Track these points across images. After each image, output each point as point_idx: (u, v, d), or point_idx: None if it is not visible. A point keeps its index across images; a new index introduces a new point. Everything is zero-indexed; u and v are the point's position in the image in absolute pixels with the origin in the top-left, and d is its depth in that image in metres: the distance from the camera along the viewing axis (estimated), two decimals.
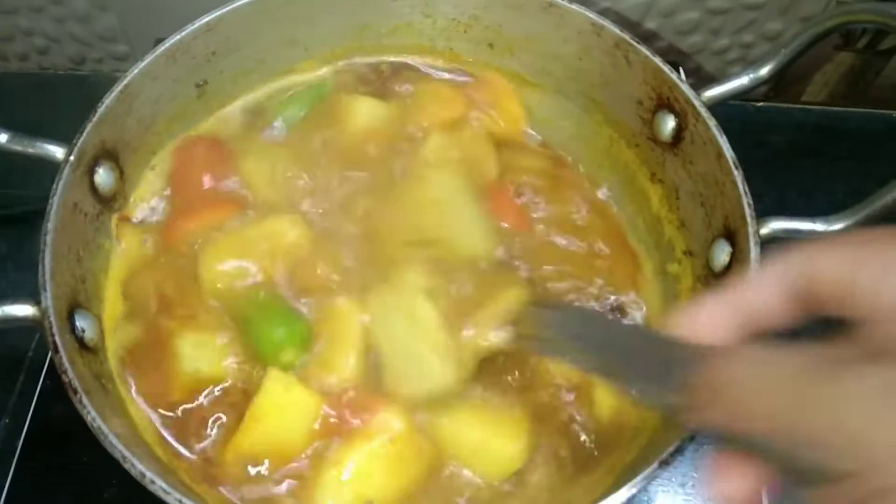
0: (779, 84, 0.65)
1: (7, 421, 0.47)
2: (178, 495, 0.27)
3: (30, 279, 0.53)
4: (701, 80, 0.65)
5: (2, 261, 0.56)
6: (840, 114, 0.65)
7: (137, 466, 0.27)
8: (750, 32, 0.60)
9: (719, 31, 0.60)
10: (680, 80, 0.38)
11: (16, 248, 0.56)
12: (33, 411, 0.41)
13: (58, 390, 0.43)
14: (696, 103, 0.38)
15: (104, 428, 0.28)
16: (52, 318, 0.30)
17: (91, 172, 0.36)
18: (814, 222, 0.36)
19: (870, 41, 0.60)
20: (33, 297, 0.32)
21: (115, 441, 0.27)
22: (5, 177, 0.58)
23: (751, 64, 0.59)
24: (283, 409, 0.33)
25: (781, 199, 0.63)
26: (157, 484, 0.27)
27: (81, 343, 0.32)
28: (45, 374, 0.43)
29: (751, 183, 0.61)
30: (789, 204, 0.59)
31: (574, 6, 0.41)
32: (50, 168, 0.42)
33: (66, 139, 0.39)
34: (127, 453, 0.27)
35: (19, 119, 0.43)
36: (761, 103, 0.67)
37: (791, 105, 0.66)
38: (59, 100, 0.65)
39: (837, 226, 0.35)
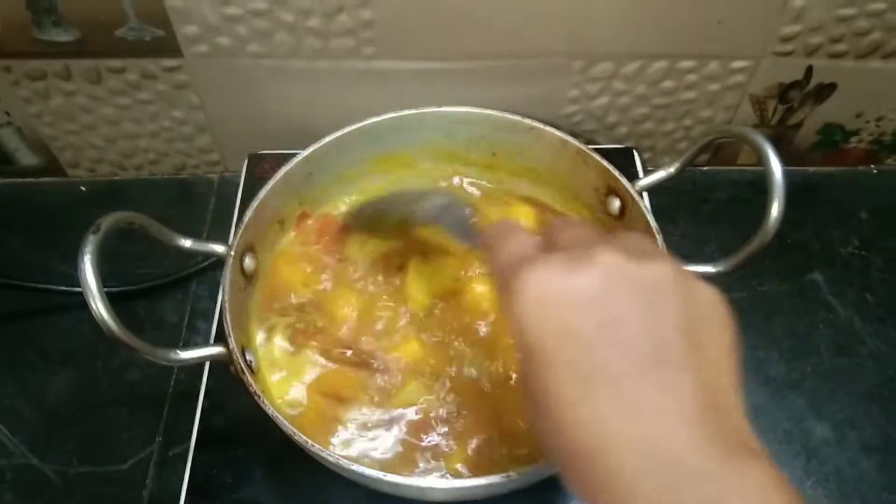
0: (718, 154, 0.84)
1: (160, 439, 0.66)
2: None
3: (164, 334, 0.72)
4: (656, 154, 0.84)
5: (141, 322, 0.75)
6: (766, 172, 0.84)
7: (302, 436, 0.45)
8: (688, 118, 0.78)
9: (664, 119, 0.78)
10: (620, 175, 0.57)
11: (149, 313, 0.75)
12: (198, 425, 0.60)
13: (213, 409, 0.62)
14: (632, 191, 0.56)
15: (280, 417, 0.46)
16: (237, 354, 0.49)
17: (241, 261, 0.55)
18: (706, 266, 0.54)
19: (780, 119, 0.79)
20: (219, 341, 0.52)
21: (287, 424, 0.46)
22: (131, 261, 0.77)
23: (691, 141, 0.79)
24: None
25: (723, 242, 0.81)
26: (315, 447, 0.46)
27: (250, 368, 0.51)
28: (203, 398, 0.62)
29: (699, 230, 0.81)
30: (729, 244, 0.78)
31: (547, 128, 0.61)
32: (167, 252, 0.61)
33: (174, 227, 0.54)
34: (292, 429, 0.46)
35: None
36: (706, 167, 0.85)
37: (730, 167, 0.85)
38: (166, 197, 0.85)
39: (722, 268, 0.53)
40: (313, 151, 0.59)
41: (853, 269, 0.76)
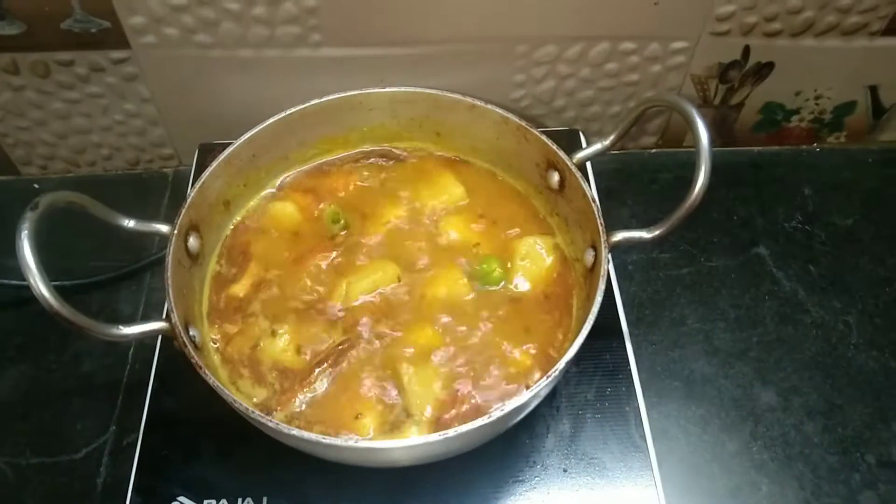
0: (665, 136, 0.86)
1: (114, 428, 0.66)
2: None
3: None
4: (604, 137, 0.86)
5: (95, 315, 0.74)
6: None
7: (242, 404, 0.46)
8: (633, 100, 0.80)
9: (611, 101, 0.79)
10: (558, 149, 0.58)
11: (104, 305, 0.75)
12: (148, 407, 0.60)
13: (164, 390, 0.62)
14: (569, 163, 0.58)
15: (221, 387, 0.47)
16: (179, 328, 0.49)
17: (185, 240, 0.56)
18: (640, 231, 0.55)
19: (723, 99, 0.81)
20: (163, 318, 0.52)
21: (227, 392, 0.46)
22: (86, 255, 0.77)
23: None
24: None
25: None
26: (255, 413, 0.46)
27: (194, 344, 0.51)
28: (153, 380, 0.62)
29: (647, 210, 0.83)
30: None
31: (489, 106, 0.62)
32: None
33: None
34: (232, 396, 0.46)
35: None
36: (654, 150, 0.87)
37: (677, 149, 0.87)
38: (121, 193, 0.85)
39: (655, 233, 0.54)
40: (256, 133, 0.60)
41: (797, 243, 0.78)
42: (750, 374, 0.68)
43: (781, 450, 0.64)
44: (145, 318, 0.72)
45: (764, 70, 0.76)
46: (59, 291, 0.74)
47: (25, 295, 0.71)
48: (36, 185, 0.84)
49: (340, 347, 0.55)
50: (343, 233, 0.63)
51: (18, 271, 0.73)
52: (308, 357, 0.56)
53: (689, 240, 0.78)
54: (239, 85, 0.74)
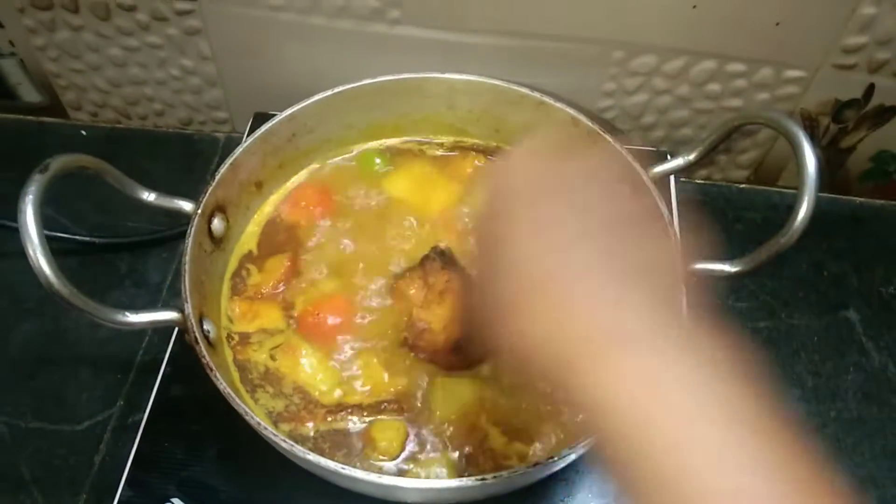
0: (758, 172, 0.78)
1: (121, 403, 0.62)
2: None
3: (144, 293, 0.68)
4: (693, 165, 0.78)
5: (122, 278, 0.71)
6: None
7: (254, 418, 0.40)
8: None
9: (705, 126, 0.72)
10: (633, 159, 0.52)
11: (132, 269, 0.71)
12: (156, 393, 0.56)
13: (176, 376, 0.57)
14: (644, 177, 0.51)
15: (232, 395, 0.41)
16: (192, 321, 0.44)
17: (209, 221, 0.50)
18: (722, 263, 0.48)
19: (832, 140, 0.73)
20: (175, 307, 0.47)
21: (239, 402, 0.41)
22: (123, 212, 0.73)
23: (733, 153, 0.73)
24: None
25: None
26: (268, 430, 0.41)
27: (207, 340, 0.46)
28: (166, 364, 0.57)
29: (729, 251, 0.74)
30: (759, 269, 0.71)
31: (559, 104, 0.55)
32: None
33: (172, 186, 0.53)
34: (245, 408, 0.41)
35: (138, 167, 0.55)
36: (744, 185, 0.79)
37: (769, 188, 0.79)
38: (168, 152, 0.81)
39: (739, 268, 0.47)
40: (300, 109, 0.54)
41: (893, 311, 0.69)
42: (821, 454, 0.60)
43: None
44: (172, 290, 0.68)
45: (886, 114, 0.68)
46: (88, 248, 0.71)
47: (53, 247, 0.69)
48: (83, 132, 0.81)
49: (385, 406, 0.48)
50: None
51: (50, 218, 0.71)
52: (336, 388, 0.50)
53: (770, 290, 0.70)
54: (305, 55, 0.69)
